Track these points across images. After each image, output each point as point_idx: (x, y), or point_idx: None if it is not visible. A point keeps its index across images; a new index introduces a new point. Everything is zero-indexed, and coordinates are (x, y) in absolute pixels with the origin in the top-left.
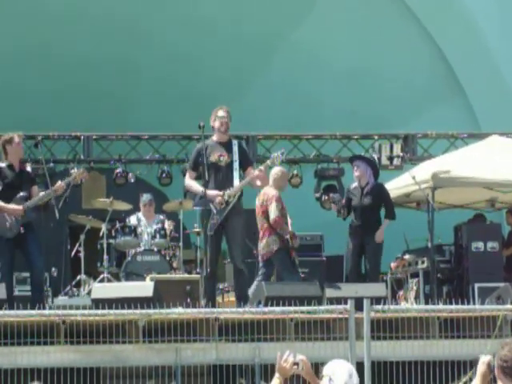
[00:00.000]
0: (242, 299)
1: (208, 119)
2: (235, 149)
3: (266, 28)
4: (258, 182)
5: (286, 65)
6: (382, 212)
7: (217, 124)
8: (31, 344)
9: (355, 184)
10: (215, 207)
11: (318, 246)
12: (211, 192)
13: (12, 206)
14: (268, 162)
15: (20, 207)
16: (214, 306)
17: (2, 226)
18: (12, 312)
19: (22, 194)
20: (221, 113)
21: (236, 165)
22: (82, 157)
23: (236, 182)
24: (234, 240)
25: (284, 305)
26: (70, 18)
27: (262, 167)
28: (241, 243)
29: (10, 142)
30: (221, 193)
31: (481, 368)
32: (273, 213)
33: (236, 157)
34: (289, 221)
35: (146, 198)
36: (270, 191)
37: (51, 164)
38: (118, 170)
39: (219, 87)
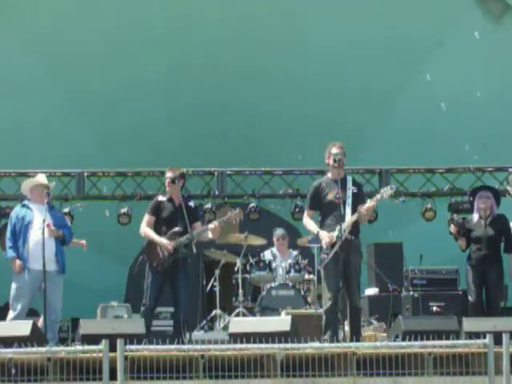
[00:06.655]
0: (355, 335)
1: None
2: (349, 185)
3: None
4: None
5: (412, 101)
6: None
7: (330, 161)
8: (170, 378)
9: (476, 216)
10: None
11: (453, 280)
12: (323, 236)
13: (164, 240)
14: (377, 196)
15: (170, 243)
16: (335, 339)
17: (156, 258)
18: (151, 346)
19: (176, 229)
20: (334, 150)
21: (349, 201)
22: (216, 192)
23: (348, 217)
24: (352, 277)
25: (421, 339)
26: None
27: (372, 201)
28: (358, 281)
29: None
30: (328, 239)
31: None
32: None
33: (349, 193)
34: None
35: (279, 232)
36: None
37: None
38: (251, 205)
39: (352, 122)
